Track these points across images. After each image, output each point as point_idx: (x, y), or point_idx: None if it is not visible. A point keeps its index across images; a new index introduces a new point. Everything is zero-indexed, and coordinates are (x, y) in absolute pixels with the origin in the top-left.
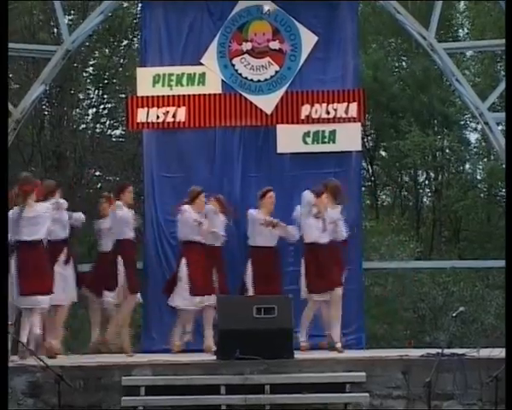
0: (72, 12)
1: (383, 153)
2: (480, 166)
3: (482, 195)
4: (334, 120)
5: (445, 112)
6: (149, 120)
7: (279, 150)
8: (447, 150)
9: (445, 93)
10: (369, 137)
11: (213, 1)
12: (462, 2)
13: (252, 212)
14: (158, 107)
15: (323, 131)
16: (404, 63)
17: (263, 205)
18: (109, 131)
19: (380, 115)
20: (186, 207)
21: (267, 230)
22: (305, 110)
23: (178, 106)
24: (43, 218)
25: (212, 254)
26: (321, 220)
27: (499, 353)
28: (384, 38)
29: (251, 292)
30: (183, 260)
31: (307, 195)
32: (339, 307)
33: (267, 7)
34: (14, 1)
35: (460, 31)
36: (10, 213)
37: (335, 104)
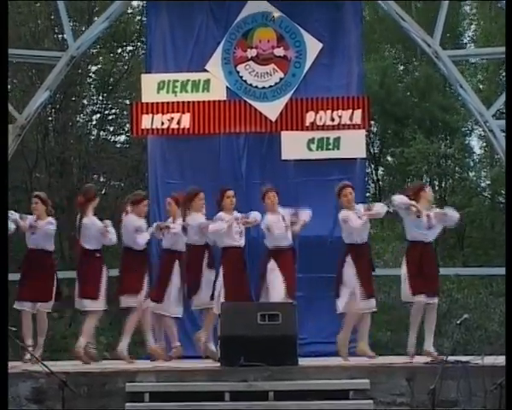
0: (77, 18)
1: (388, 160)
2: (485, 174)
3: (486, 202)
4: (339, 126)
5: (449, 119)
6: (154, 127)
7: (283, 157)
8: (451, 158)
9: (450, 100)
10: (374, 144)
11: (218, 8)
12: (467, 8)
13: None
14: (162, 113)
15: (328, 138)
16: (408, 70)
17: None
18: (114, 137)
19: (385, 122)
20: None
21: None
22: (310, 117)
23: (183, 112)
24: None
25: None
26: (425, 218)
27: (503, 360)
28: (389, 46)
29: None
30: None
31: (400, 197)
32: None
33: (274, 13)
34: (19, 0)
35: (465, 38)
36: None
37: (340, 111)
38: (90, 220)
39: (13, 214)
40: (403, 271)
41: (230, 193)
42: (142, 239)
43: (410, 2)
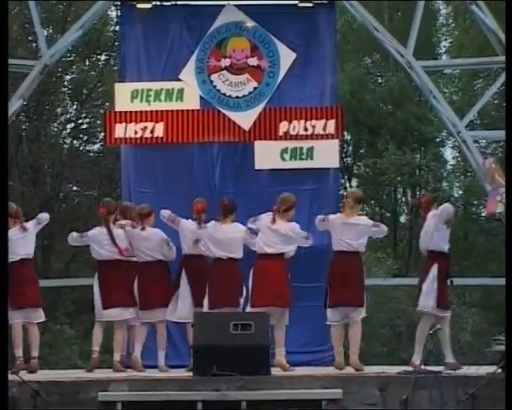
0: (51, 27)
1: (361, 170)
2: (457, 184)
3: (459, 212)
4: (312, 136)
5: (422, 129)
6: (127, 136)
7: (257, 167)
8: (424, 168)
9: (423, 110)
10: (348, 154)
11: (192, 17)
12: (441, 20)
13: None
14: (136, 122)
15: (301, 148)
16: (382, 80)
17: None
18: (87, 146)
19: (358, 132)
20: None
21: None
22: (283, 127)
23: (156, 121)
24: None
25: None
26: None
27: (475, 370)
28: (363, 55)
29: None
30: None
31: (450, 207)
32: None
33: (247, 23)
34: None
35: (438, 49)
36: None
37: (313, 121)
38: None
39: None
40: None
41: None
42: (173, 251)
43: (384, 13)
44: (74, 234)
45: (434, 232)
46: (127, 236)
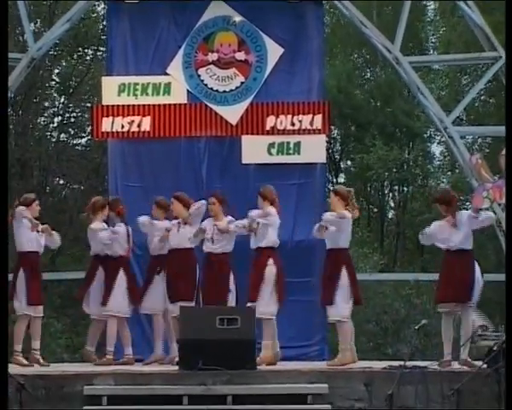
0: (38, 20)
1: (348, 165)
2: (444, 180)
3: None
4: (299, 131)
5: (409, 125)
6: (114, 130)
7: (244, 161)
8: (411, 163)
9: (410, 106)
10: (335, 149)
11: (180, 11)
12: (428, 16)
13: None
14: (123, 116)
15: (288, 143)
16: (370, 75)
17: None
18: (74, 139)
19: (345, 127)
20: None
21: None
22: (271, 121)
23: (143, 115)
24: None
25: None
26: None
27: (460, 366)
28: (351, 50)
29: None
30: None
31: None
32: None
33: (235, 17)
34: None
35: (425, 45)
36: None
37: (300, 116)
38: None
39: None
40: None
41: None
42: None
43: (372, 9)
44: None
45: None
46: None
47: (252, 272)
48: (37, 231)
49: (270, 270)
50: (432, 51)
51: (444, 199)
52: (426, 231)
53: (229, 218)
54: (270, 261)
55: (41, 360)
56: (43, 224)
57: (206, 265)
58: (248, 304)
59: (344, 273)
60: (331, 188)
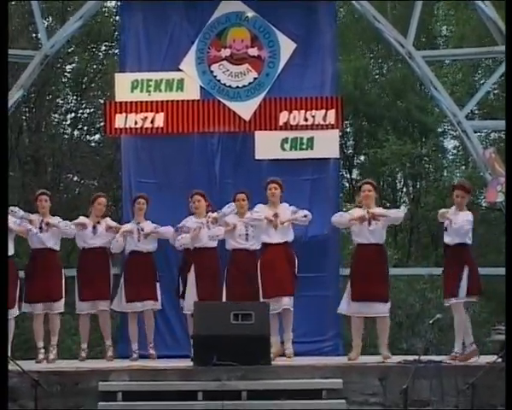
0: (51, 17)
1: (362, 160)
2: (458, 174)
3: None
4: (313, 126)
5: (422, 120)
6: (127, 126)
7: (257, 157)
8: (425, 158)
9: (423, 101)
10: (348, 144)
11: (192, 7)
12: (441, 10)
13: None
14: (136, 112)
15: (301, 138)
16: (384, 70)
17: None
18: (88, 136)
19: (359, 122)
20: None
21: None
22: (284, 117)
23: (157, 112)
24: None
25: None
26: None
27: (475, 360)
28: (365, 45)
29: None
30: None
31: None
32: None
33: (247, 13)
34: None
35: (439, 39)
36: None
37: (313, 111)
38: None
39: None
40: None
41: (196, 197)
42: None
43: (386, 4)
44: None
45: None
46: None
47: (284, 265)
48: (41, 228)
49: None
50: (444, 46)
51: (464, 187)
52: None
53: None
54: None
55: (51, 356)
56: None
57: (236, 261)
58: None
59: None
60: (369, 182)
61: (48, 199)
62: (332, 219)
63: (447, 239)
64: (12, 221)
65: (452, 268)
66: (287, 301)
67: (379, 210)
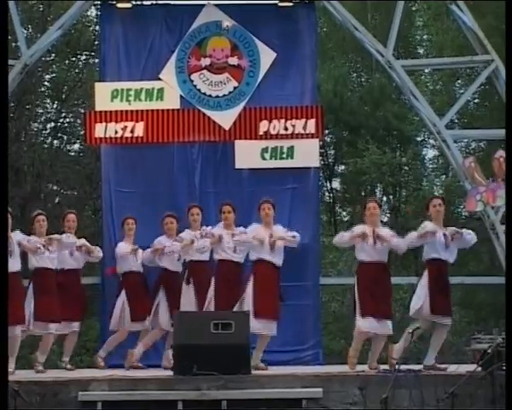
0: (31, 26)
1: (342, 169)
2: (438, 183)
3: None
4: (293, 136)
5: (402, 129)
6: (107, 135)
7: (237, 166)
8: (405, 167)
9: (403, 110)
10: (329, 154)
11: (172, 17)
12: (421, 20)
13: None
14: (116, 122)
15: (282, 147)
16: (364, 79)
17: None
18: (67, 145)
19: (339, 132)
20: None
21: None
22: (264, 126)
23: (136, 121)
24: None
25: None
26: (443, 236)
27: (455, 369)
28: (344, 54)
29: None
30: None
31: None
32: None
33: (226, 22)
34: None
35: (418, 48)
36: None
37: (294, 120)
38: None
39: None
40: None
41: (194, 211)
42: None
43: (366, 13)
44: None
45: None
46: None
47: (275, 288)
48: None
49: None
50: (424, 55)
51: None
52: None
53: (241, 228)
54: None
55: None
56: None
57: (222, 272)
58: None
59: None
60: (374, 200)
61: (45, 219)
62: (333, 240)
63: (445, 255)
64: (21, 237)
65: (444, 285)
66: (274, 328)
67: (384, 233)
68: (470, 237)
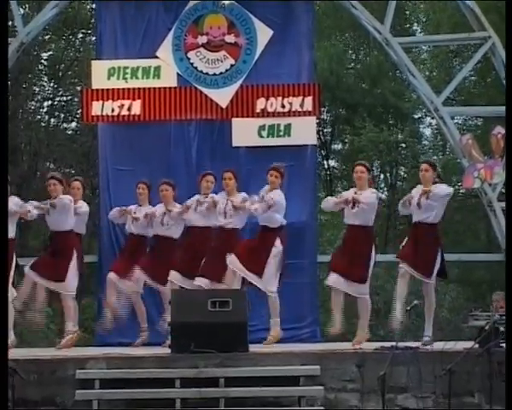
0: (27, 4)
1: (339, 147)
2: (435, 160)
3: None
4: (290, 113)
5: (399, 106)
6: (104, 113)
7: (234, 144)
8: (402, 145)
9: (400, 87)
10: (326, 131)
11: None
12: None
13: None
14: (113, 100)
15: (279, 125)
16: (361, 57)
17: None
18: (64, 123)
19: (336, 109)
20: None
21: None
22: (261, 104)
23: (133, 99)
24: None
25: None
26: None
27: (453, 346)
28: (342, 32)
29: None
30: None
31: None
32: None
33: (222, 0)
34: None
35: (415, 26)
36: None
37: (291, 98)
38: None
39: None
40: None
41: (209, 178)
42: None
43: None
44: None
45: None
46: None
47: (258, 248)
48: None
49: (278, 249)
50: (421, 32)
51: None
52: None
53: (244, 194)
54: (278, 241)
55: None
56: None
57: (215, 238)
58: (251, 275)
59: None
60: (361, 163)
61: (56, 183)
62: (321, 205)
63: (419, 216)
64: (13, 202)
65: (426, 247)
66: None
67: (362, 197)
68: (441, 188)
